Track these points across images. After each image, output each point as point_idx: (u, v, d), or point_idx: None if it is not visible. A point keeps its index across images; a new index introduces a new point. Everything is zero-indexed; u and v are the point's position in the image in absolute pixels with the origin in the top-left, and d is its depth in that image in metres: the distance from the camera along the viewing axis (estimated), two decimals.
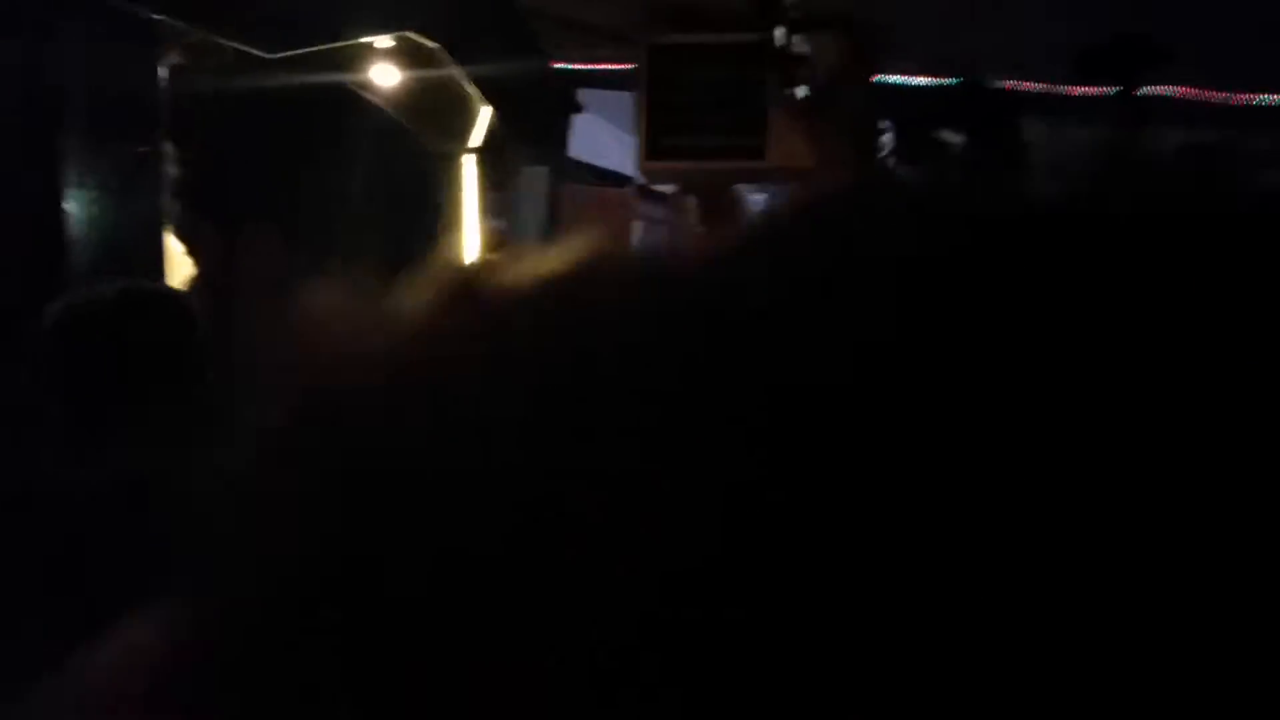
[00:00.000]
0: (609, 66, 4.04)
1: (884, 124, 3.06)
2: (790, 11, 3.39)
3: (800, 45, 2.13)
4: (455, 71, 2.81)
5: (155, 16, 2.06)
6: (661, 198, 4.41)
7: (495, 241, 3.37)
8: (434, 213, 3.25)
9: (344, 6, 2.42)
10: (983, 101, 2.70)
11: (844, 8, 3.57)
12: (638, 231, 5.75)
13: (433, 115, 3.08)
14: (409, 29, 2.62)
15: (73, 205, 2.09)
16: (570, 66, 3.98)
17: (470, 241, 3.29)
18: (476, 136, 3.22)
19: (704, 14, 3.56)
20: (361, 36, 2.52)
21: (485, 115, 3.13)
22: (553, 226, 4.54)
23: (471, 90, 2.92)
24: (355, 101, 2.91)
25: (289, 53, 2.26)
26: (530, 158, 3.65)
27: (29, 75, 1.94)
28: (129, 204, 2.16)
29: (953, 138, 2.68)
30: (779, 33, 2.22)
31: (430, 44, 2.71)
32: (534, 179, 3.96)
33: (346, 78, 2.79)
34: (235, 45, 2.18)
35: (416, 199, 3.22)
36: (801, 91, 1.88)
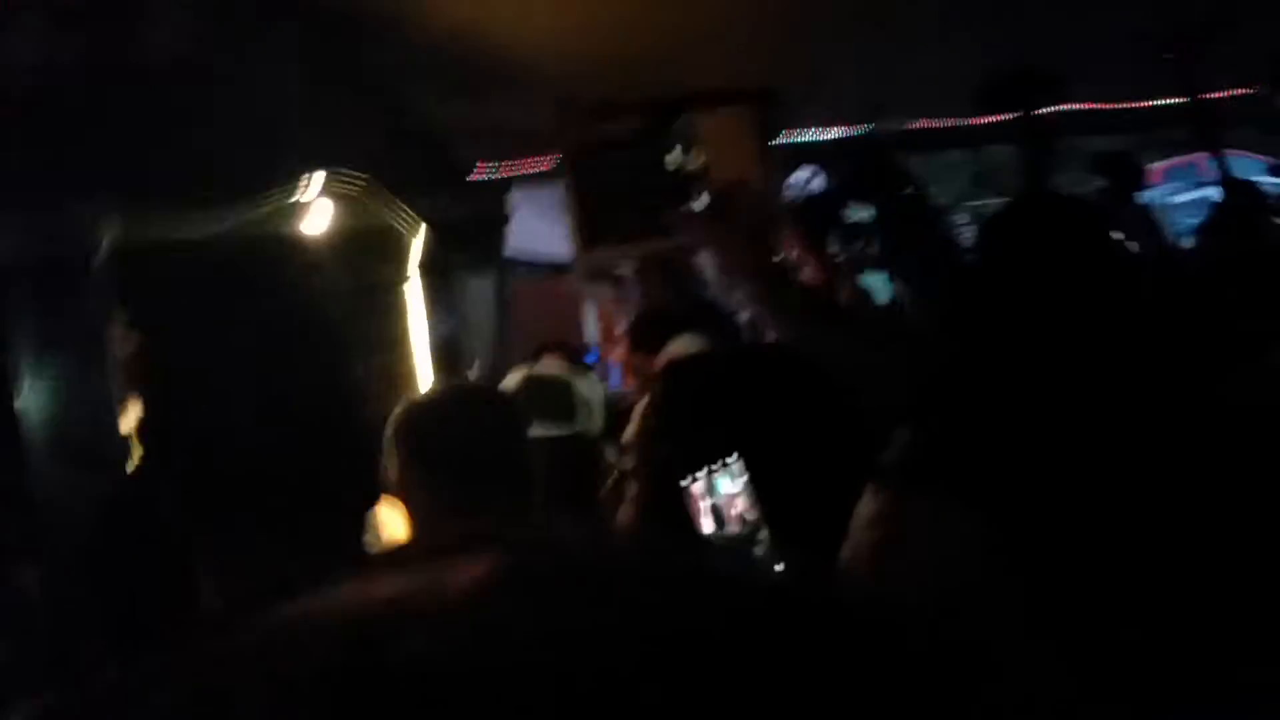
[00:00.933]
0: (532, 168, 4.15)
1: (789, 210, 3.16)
2: (687, 103, 3.54)
3: (694, 161, 2.31)
4: (385, 200, 2.89)
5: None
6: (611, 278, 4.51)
7: (447, 356, 3.43)
8: (377, 341, 3.30)
9: (271, 156, 2.49)
10: (882, 160, 2.79)
11: (742, 80, 3.73)
12: (589, 314, 5.87)
13: (367, 246, 3.15)
14: (334, 166, 2.69)
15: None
16: (496, 176, 4.09)
17: (420, 363, 3.34)
18: (414, 260, 3.29)
19: (614, 106, 3.69)
20: (289, 181, 2.59)
21: (420, 238, 3.20)
22: (504, 324, 4.61)
23: (404, 217, 3.00)
24: (285, 244, 2.97)
25: (219, 208, 2.32)
26: (471, 266, 3.72)
27: None
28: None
29: (860, 213, 2.78)
30: (672, 156, 2.37)
31: (358, 179, 2.78)
32: (479, 286, 4.04)
33: (276, 223, 2.85)
34: (171, 212, 2.23)
35: (357, 330, 3.28)
36: (701, 203, 2.01)
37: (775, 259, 1.79)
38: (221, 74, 2.49)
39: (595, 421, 2.63)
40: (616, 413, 2.98)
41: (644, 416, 1.58)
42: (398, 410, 1.71)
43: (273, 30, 2.75)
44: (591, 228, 3.83)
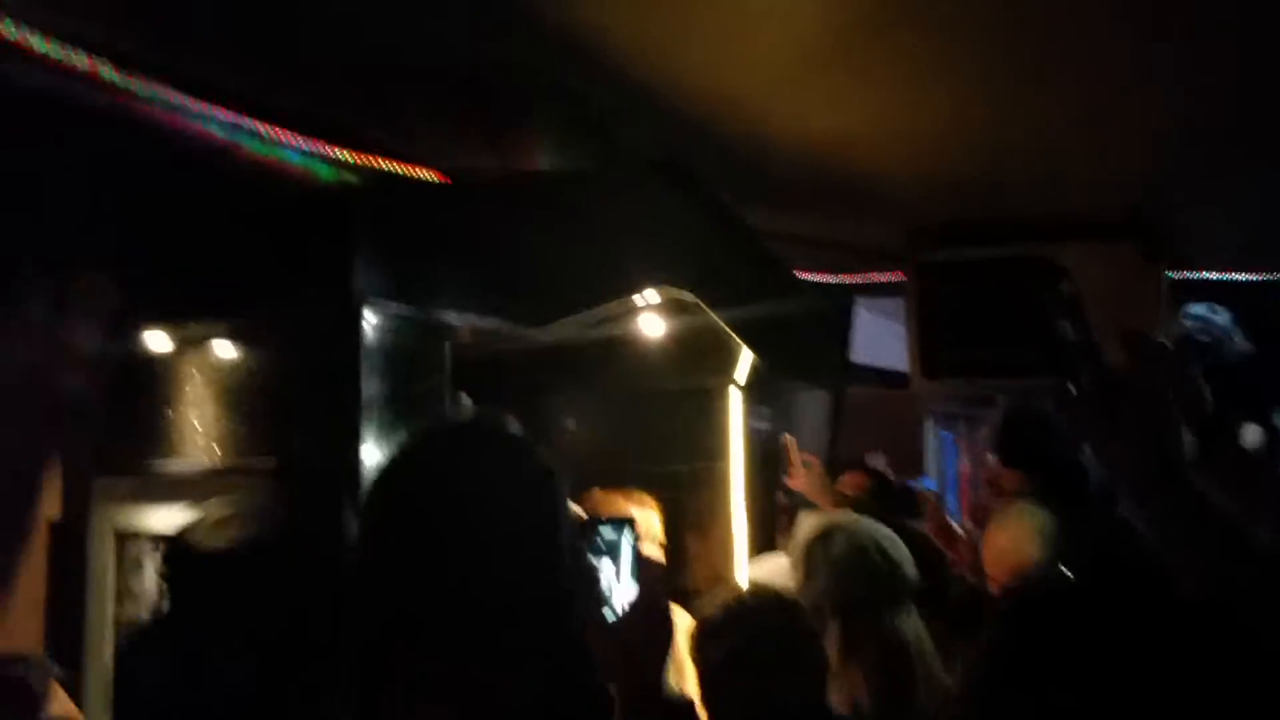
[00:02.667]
0: (877, 278, 4.04)
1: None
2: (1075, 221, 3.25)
3: (1062, 296, 1.89)
4: (713, 315, 2.91)
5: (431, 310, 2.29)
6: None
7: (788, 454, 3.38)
8: (698, 445, 3.32)
9: (602, 272, 2.59)
10: None
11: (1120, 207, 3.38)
12: (929, 432, 5.51)
13: (692, 354, 3.19)
14: (665, 284, 2.75)
15: None
16: (839, 280, 4.02)
17: (736, 469, 3.32)
18: (740, 371, 3.29)
19: (969, 229, 3.51)
20: (618, 298, 2.67)
21: (746, 354, 3.20)
22: (836, 433, 4.48)
23: (730, 331, 3.01)
24: (613, 344, 3.09)
25: (551, 321, 2.44)
26: (805, 376, 3.66)
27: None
28: None
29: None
30: (1034, 287, 2.03)
31: (686, 295, 2.83)
32: (812, 395, 3.97)
33: (605, 331, 2.97)
34: (500, 323, 2.38)
35: (680, 434, 3.32)
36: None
37: (1177, 450, 1.28)
38: (570, 190, 2.64)
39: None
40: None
41: (983, 659, 1.25)
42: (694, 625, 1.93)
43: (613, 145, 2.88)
44: (933, 358, 3.66)
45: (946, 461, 5.33)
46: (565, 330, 2.70)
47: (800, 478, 3.36)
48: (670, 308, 2.97)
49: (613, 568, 1.92)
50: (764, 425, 3.55)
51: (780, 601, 2.09)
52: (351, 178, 2.88)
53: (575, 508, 2.37)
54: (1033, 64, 2.59)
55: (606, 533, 1.75)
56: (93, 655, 2.27)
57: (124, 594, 2.29)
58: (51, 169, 2.36)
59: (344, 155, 2.91)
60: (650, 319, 3.01)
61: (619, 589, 1.91)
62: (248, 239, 2.25)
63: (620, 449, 3.30)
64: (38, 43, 2.34)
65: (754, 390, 3.38)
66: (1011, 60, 2.58)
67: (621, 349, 3.16)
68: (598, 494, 3.11)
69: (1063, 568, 2.32)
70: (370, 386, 2.11)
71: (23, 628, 2.26)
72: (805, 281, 3.77)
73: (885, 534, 2.34)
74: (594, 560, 1.86)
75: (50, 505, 2.45)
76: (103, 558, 2.31)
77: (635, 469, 3.25)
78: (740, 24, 2.38)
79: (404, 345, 2.18)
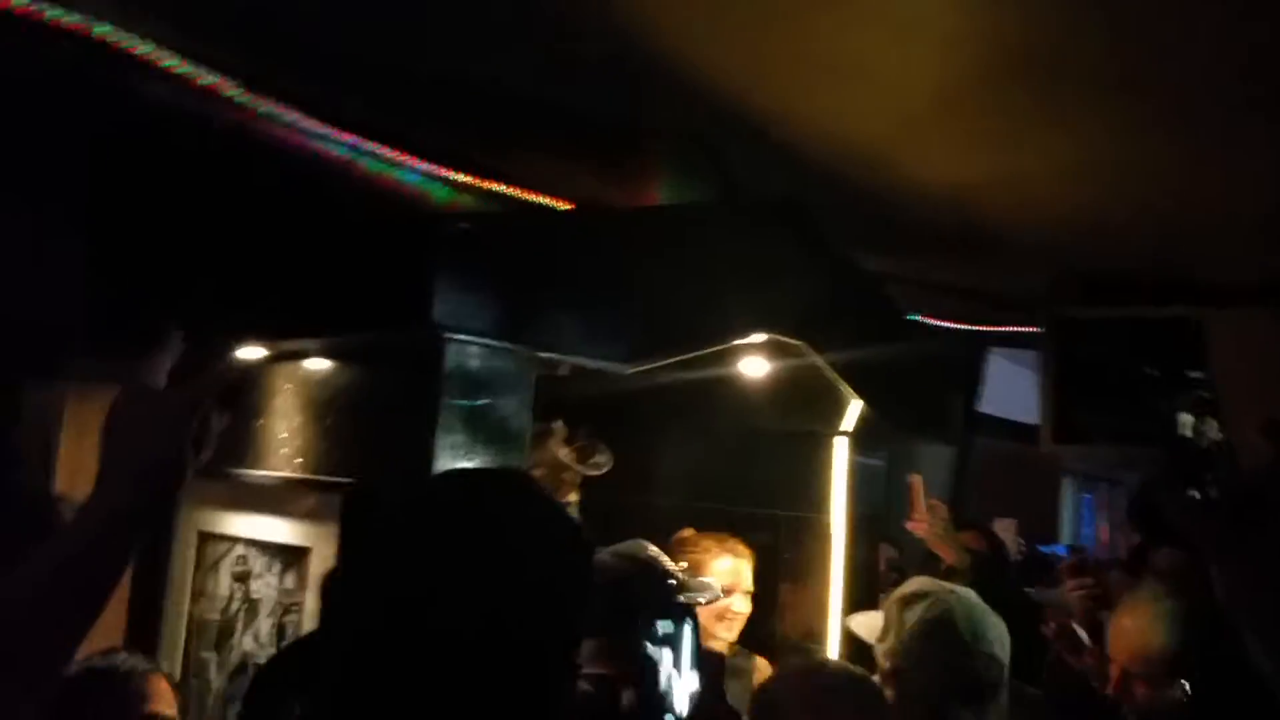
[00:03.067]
0: (1010, 327, 3.81)
1: None
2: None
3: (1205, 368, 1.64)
4: (820, 361, 2.79)
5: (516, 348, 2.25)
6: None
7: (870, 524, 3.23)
8: (800, 492, 3.20)
9: (707, 315, 2.50)
10: None
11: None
12: (1066, 493, 5.16)
13: (799, 397, 3.06)
14: (772, 330, 2.64)
15: None
16: (972, 329, 3.81)
17: (837, 520, 3.18)
18: (849, 418, 3.14)
19: (1114, 285, 3.26)
20: (721, 343, 2.58)
21: (854, 402, 3.06)
22: (962, 488, 4.24)
23: (838, 379, 2.87)
24: (716, 382, 2.99)
25: (649, 364, 2.37)
26: (927, 427, 3.48)
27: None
28: None
29: None
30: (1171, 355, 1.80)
31: (793, 341, 2.71)
32: (936, 449, 3.76)
33: (709, 368, 2.88)
34: (594, 362, 2.32)
35: (782, 479, 3.20)
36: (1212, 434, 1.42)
37: None
38: (680, 226, 2.56)
39: None
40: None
41: None
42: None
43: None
44: (1065, 419, 3.41)
45: (1084, 526, 4.97)
46: (668, 368, 2.63)
47: (923, 522, 3.16)
48: (777, 348, 2.87)
49: (672, 658, 1.83)
50: (877, 468, 3.38)
51: (849, 681, 1.97)
52: (468, 201, 2.90)
53: (663, 557, 2.30)
54: (1200, 116, 2.37)
55: (664, 626, 1.67)
56: (166, 653, 2.33)
57: (199, 594, 2.35)
58: (171, 185, 2.45)
59: (460, 178, 2.93)
60: (755, 360, 2.91)
61: (680, 681, 1.82)
62: (343, 259, 2.27)
63: (718, 490, 3.21)
64: (168, 59, 2.43)
65: (864, 439, 3.23)
66: (1171, 111, 2.37)
67: (725, 387, 3.07)
68: (689, 534, 3.03)
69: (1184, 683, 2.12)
70: (447, 417, 2.10)
71: (105, 623, 2.34)
72: (927, 328, 3.58)
73: (982, 613, 2.15)
74: (653, 651, 1.77)
75: None
76: (185, 557, 2.38)
77: (732, 511, 3.15)
78: (868, 67, 2.26)
79: (485, 378, 2.15)
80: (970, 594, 2.21)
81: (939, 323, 3.84)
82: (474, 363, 2.13)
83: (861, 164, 2.71)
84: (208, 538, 2.35)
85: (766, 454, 3.22)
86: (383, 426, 2.16)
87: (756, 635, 3.04)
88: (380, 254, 2.23)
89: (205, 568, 2.34)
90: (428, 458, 2.05)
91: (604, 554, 2.44)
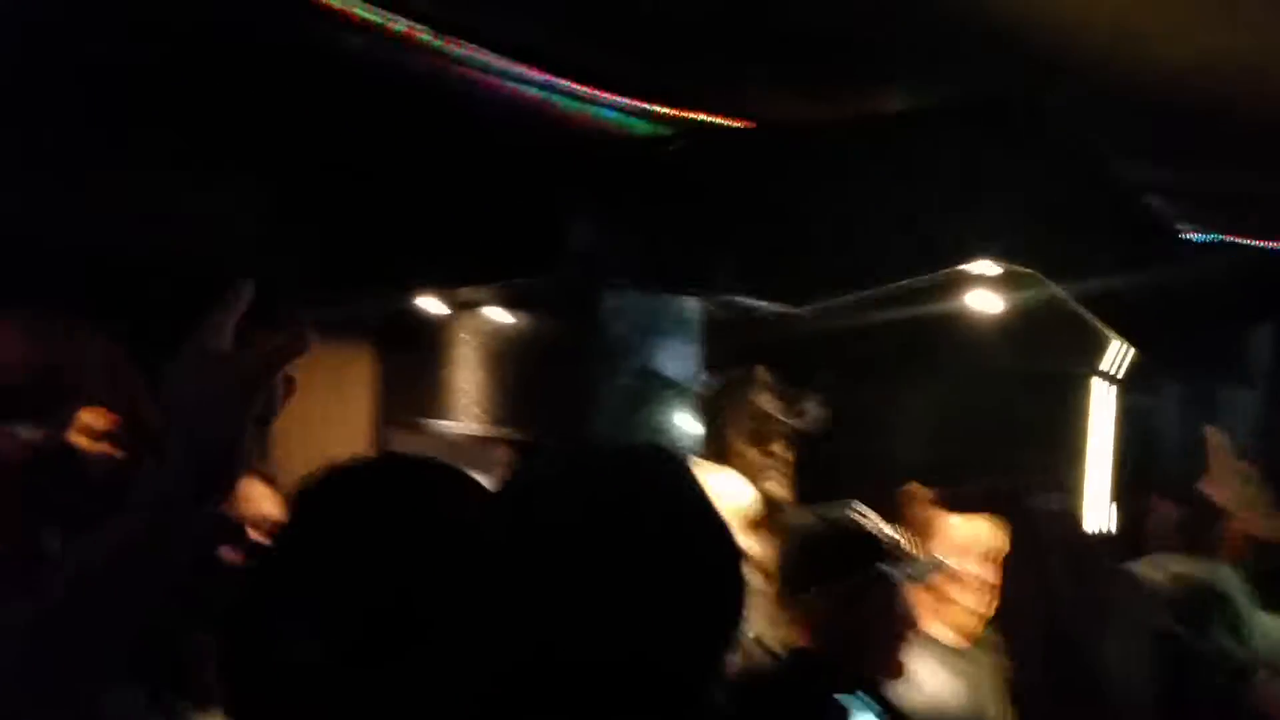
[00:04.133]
0: None
1: None
2: None
3: None
4: (1059, 291, 2.41)
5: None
6: None
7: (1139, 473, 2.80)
8: (1050, 442, 2.82)
9: (902, 244, 2.23)
10: None
11: None
12: None
13: (1044, 332, 2.68)
14: (992, 256, 2.31)
15: None
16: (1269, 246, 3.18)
17: (1097, 475, 2.77)
18: (1109, 358, 2.72)
19: None
20: (917, 275, 2.29)
21: (1112, 340, 2.63)
22: (1272, 443, 3.58)
23: (1083, 311, 2.47)
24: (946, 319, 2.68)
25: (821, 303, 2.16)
26: (1202, 371, 2.98)
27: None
28: None
29: None
30: None
31: (1025, 270, 2.36)
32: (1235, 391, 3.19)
33: (936, 304, 2.58)
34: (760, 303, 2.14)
35: (1027, 427, 2.82)
36: None
37: None
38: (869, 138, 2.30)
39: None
40: None
41: None
42: None
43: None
44: None
45: None
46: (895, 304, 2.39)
47: (1224, 486, 2.54)
48: (1011, 281, 2.52)
49: None
50: (1152, 410, 2.91)
51: None
52: (666, 131, 2.75)
53: (868, 521, 2.08)
54: None
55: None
56: None
57: None
58: (359, 136, 2.49)
59: (661, 109, 2.79)
60: (984, 294, 2.57)
61: None
62: (515, 207, 2.21)
63: (951, 440, 2.89)
64: (359, 8, 2.45)
65: (1134, 382, 2.80)
66: None
67: (957, 324, 2.75)
68: (917, 490, 2.75)
69: None
70: (606, 366, 2.00)
71: None
72: (1205, 247, 3.01)
73: (1241, 605, 1.73)
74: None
75: None
76: None
77: (967, 464, 2.83)
78: None
79: (646, 324, 2.03)
80: (1236, 580, 1.77)
81: (1241, 240, 3.25)
82: (635, 309, 2.02)
83: (1097, 46, 2.28)
84: None
85: (1008, 399, 2.86)
86: (545, 380, 2.10)
87: None
88: (545, 199, 2.15)
89: None
90: (585, 411, 1.96)
91: (806, 512, 2.27)
